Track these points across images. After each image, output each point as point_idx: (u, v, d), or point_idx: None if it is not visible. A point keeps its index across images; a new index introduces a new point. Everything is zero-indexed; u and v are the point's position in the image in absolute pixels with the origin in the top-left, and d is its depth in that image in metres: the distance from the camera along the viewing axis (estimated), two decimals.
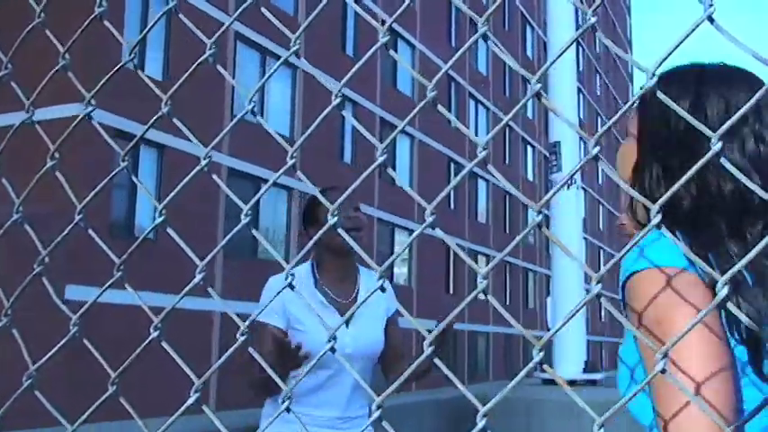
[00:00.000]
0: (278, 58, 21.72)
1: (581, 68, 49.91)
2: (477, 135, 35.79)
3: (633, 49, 71.42)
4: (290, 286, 0.94)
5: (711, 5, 0.83)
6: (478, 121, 36.19)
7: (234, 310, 1.11)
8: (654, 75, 0.82)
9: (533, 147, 42.72)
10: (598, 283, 0.81)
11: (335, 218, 2.81)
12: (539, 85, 0.85)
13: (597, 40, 55.40)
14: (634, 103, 1.04)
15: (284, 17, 21.19)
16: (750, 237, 1.18)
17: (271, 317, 2.91)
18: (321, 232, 0.96)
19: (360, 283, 3.10)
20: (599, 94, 56.20)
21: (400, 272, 28.83)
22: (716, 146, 0.78)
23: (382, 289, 0.93)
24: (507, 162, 39.17)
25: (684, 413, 1.05)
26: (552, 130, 10.79)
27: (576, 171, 0.85)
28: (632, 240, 0.86)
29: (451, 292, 32.33)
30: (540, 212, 0.84)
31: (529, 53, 43.19)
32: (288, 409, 0.95)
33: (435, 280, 30.84)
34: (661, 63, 0.83)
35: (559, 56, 0.83)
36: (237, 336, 0.96)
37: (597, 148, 0.82)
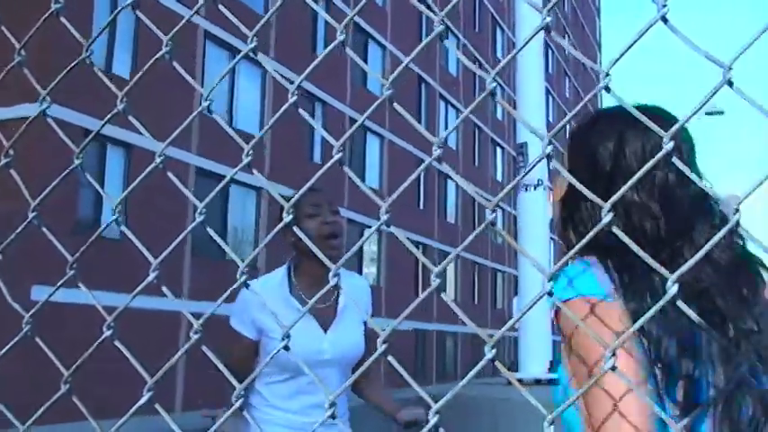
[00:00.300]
0: (248, 57, 21.56)
1: (550, 71, 50.23)
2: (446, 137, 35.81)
3: (603, 50, 71.97)
4: (245, 284, 0.93)
5: (665, 6, 0.84)
6: (448, 122, 36.27)
7: (202, 309, 1.10)
8: (608, 73, 0.83)
9: (503, 148, 42.91)
10: (550, 280, 0.81)
11: (323, 225, 2.66)
12: (493, 84, 0.86)
13: (567, 41, 55.66)
14: (585, 104, 1.05)
15: (255, 16, 21.09)
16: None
17: (241, 325, 2.87)
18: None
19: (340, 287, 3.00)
20: (568, 96, 56.58)
21: (369, 271, 28.84)
22: (668, 145, 0.79)
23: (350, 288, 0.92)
24: (477, 163, 39.32)
25: (611, 423, 1.18)
26: (519, 131, 10.84)
27: (530, 171, 0.86)
28: (571, 251, 0.87)
29: (420, 291, 32.39)
30: (493, 211, 0.84)
31: (499, 54, 43.37)
32: (241, 408, 0.94)
33: (404, 280, 30.88)
34: (614, 63, 0.84)
35: (512, 56, 0.83)
36: (191, 334, 0.95)
37: (550, 147, 0.82)
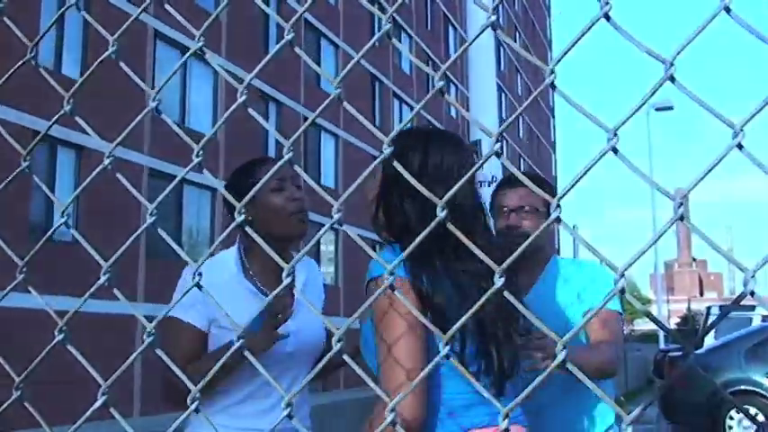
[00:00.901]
0: (199, 57, 21.39)
1: (503, 68, 50.55)
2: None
3: (553, 49, 72.66)
4: (198, 286, 0.93)
5: (608, 3, 0.85)
6: (402, 121, 36.31)
7: (157, 312, 1.09)
8: (552, 71, 0.84)
9: None
10: (501, 277, 0.82)
11: (290, 201, 2.38)
12: (441, 83, 0.86)
13: (517, 41, 56.17)
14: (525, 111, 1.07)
15: (205, 14, 20.90)
16: (446, 252, 1.76)
17: (187, 313, 2.44)
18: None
19: (297, 272, 2.60)
20: (520, 93, 57.01)
21: (327, 271, 28.77)
22: (612, 140, 0.80)
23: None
24: None
25: (388, 364, 1.68)
26: (473, 128, 10.91)
27: (479, 167, 0.86)
28: (530, 238, 0.88)
29: None
30: (444, 208, 0.85)
31: (451, 52, 43.54)
32: (197, 410, 0.93)
33: (362, 279, 30.82)
34: (559, 60, 0.85)
35: (458, 54, 0.84)
36: (144, 337, 0.94)
37: (498, 145, 0.83)
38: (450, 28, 44.07)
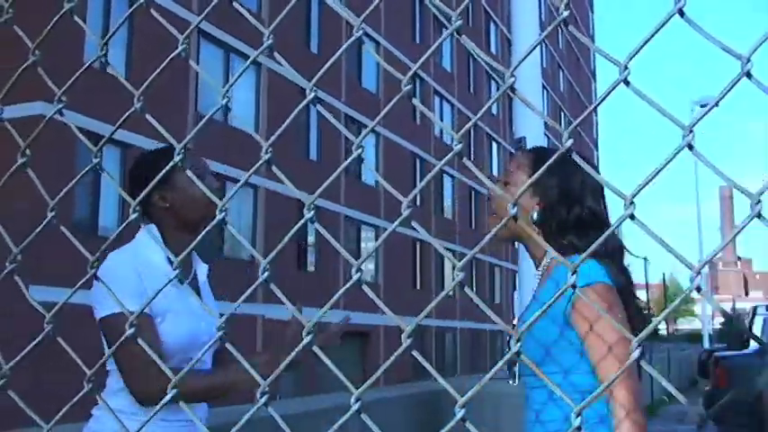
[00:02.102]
0: (241, 54, 21.60)
1: (545, 65, 50.24)
2: (442, 132, 35.89)
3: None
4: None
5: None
6: (443, 118, 36.25)
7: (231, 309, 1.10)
8: (626, 66, 0.83)
9: (498, 143, 42.91)
10: (573, 274, 0.82)
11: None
12: (513, 79, 0.86)
13: (560, 37, 55.77)
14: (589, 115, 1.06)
15: (247, 13, 21.02)
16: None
17: (135, 302, 2.13)
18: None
19: (193, 259, 2.61)
20: (562, 90, 56.59)
21: (367, 268, 28.84)
22: (688, 137, 0.79)
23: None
24: (473, 158, 39.33)
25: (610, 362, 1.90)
26: (517, 125, 10.88)
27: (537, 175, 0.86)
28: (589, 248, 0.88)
29: (418, 287, 32.41)
30: (514, 205, 0.85)
31: (493, 49, 43.35)
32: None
33: (403, 276, 30.88)
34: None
35: (532, 49, 0.84)
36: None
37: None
38: (492, 24, 43.86)
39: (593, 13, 72.16)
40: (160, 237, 2.44)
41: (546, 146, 2.52)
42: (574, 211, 2.13)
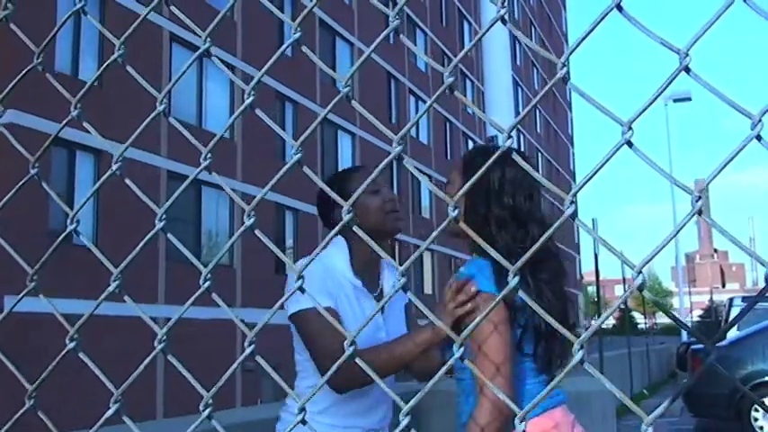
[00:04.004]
0: (207, 56, 21.44)
1: (518, 63, 50.40)
2: (417, 131, 35.94)
3: (569, 41, 72.34)
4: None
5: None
6: (418, 120, 36.24)
7: (178, 315, 1.07)
8: (564, 64, 0.82)
9: (474, 141, 43.02)
10: (515, 276, 0.81)
11: (387, 201, 2.71)
12: (451, 79, 0.85)
13: (533, 35, 55.99)
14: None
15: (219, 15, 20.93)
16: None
17: (319, 299, 2.46)
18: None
19: (382, 273, 2.85)
20: (537, 87, 56.82)
21: None
22: (627, 134, 0.78)
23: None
24: (449, 157, 39.40)
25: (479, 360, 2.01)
26: (488, 125, 10.87)
27: (488, 164, 0.85)
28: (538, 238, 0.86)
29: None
30: (456, 207, 0.83)
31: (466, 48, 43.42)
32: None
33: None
34: (571, 53, 0.83)
35: (467, 50, 0.82)
36: (155, 344, 0.93)
37: (510, 141, 0.81)
38: (466, 24, 43.98)
39: (565, 9, 72.53)
40: (347, 248, 2.72)
41: (485, 145, 2.65)
42: (492, 208, 2.18)
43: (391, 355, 2.39)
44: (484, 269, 2.12)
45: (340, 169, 2.94)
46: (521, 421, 0.78)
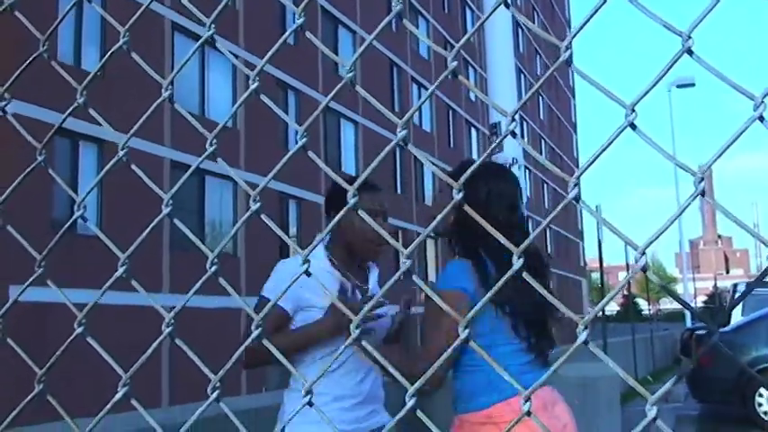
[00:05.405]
0: (216, 47, 21.42)
1: (521, 50, 50.25)
2: (420, 118, 35.88)
3: (572, 27, 71.96)
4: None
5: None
6: (422, 105, 36.22)
7: (182, 303, 1.08)
8: (567, 47, 0.82)
9: (477, 129, 42.95)
10: (519, 257, 0.81)
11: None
12: (454, 63, 0.85)
13: (535, 21, 55.79)
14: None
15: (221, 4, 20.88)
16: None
17: (276, 296, 2.79)
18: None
19: (370, 275, 3.11)
20: (539, 73, 56.68)
21: None
22: (630, 116, 0.79)
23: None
24: (452, 145, 39.36)
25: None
26: (492, 110, 10.89)
27: (494, 148, 0.85)
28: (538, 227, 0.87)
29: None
30: (460, 190, 0.84)
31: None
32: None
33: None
34: (574, 36, 0.83)
35: (469, 35, 0.83)
36: (163, 327, 0.94)
37: (514, 125, 0.81)
38: (468, 10, 43.84)
39: None
40: (327, 247, 3.01)
41: (472, 160, 3.12)
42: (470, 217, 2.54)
43: (290, 341, 2.79)
44: (465, 269, 2.43)
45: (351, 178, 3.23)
46: (524, 400, 0.78)
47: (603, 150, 0.80)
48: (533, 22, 55.37)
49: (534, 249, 2.56)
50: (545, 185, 55.38)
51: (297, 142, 0.91)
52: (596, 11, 0.81)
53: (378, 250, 2.98)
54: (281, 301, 2.83)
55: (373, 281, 3.08)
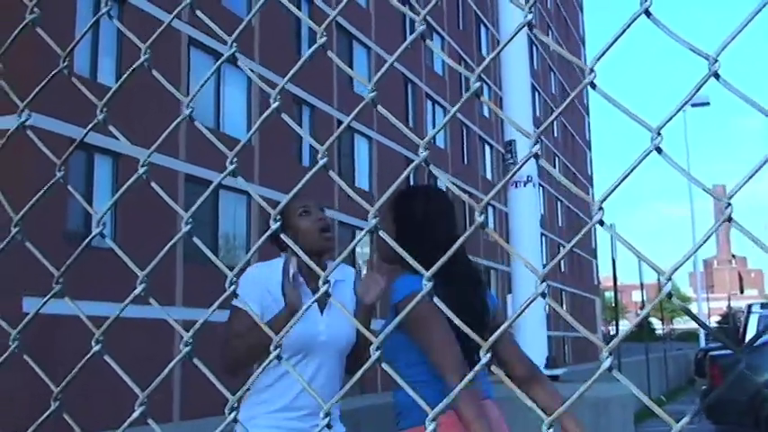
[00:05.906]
0: (232, 62, 21.54)
1: (535, 67, 50.27)
2: (435, 135, 35.87)
3: (587, 46, 72.15)
4: (234, 294, 0.92)
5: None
6: (436, 122, 36.23)
7: (196, 317, 1.08)
8: (592, 69, 0.81)
9: (491, 146, 42.95)
10: (543, 281, 0.80)
11: (317, 221, 2.91)
12: (478, 84, 0.84)
13: (551, 37, 55.81)
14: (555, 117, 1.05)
15: (238, 20, 21.02)
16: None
17: (248, 302, 2.93)
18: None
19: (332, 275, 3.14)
20: (554, 92, 56.68)
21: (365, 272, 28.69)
22: (656, 140, 0.78)
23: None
24: (466, 162, 39.34)
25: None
26: (507, 128, 10.89)
27: (518, 170, 0.85)
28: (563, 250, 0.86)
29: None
30: (481, 213, 0.83)
31: (484, 51, 43.40)
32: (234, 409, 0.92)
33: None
34: (598, 58, 0.83)
35: (496, 54, 0.82)
36: (181, 346, 0.94)
37: (537, 147, 0.81)
38: (483, 27, 43.93)
39: (582, 13, 72.31)
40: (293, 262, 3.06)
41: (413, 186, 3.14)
42: (417, 236, 2.66)
43: (261, 334, 2.85)
44: (416, 280, 2.50)
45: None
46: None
47: (627, 175, 0.79)
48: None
49: (466, 261, 2.78)
50: (558, 203, 55.26)
51: (312, 158, 0.91)
52: (623, 32, 0.81)
53: (329, 237, 3.07)
54: (250, 305, 2.88)
55: (338, 284, 3.14)
